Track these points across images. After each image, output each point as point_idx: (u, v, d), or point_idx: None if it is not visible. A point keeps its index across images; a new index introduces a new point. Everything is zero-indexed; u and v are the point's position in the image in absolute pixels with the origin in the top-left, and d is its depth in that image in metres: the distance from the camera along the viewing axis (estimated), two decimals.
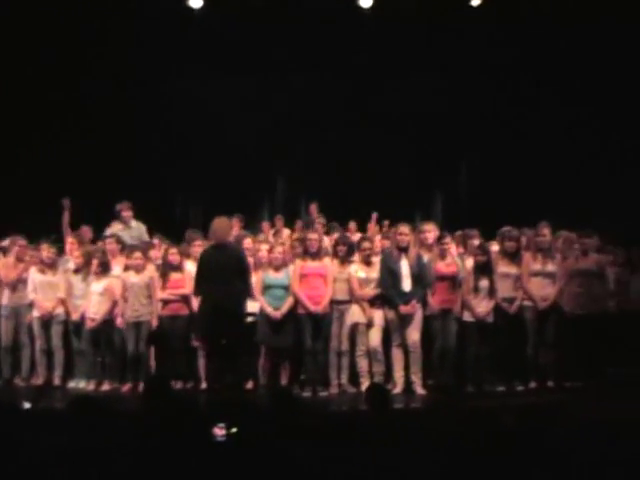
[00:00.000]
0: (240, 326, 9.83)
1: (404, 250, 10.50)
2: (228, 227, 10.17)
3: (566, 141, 14.88)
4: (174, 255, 11.02)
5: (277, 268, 10.69)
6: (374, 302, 10.59)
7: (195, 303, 10.58)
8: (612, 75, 14.61)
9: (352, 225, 13.47)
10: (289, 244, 11.52)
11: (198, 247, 11.10)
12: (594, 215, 13.92)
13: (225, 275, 9.53)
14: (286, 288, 10.61)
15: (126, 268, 11.05)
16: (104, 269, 11.12)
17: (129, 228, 12.45)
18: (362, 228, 13.44)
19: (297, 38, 15.40)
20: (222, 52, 15.22)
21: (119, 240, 11.67)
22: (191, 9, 15.28)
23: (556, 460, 4.06)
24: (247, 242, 11.17)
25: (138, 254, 11.02)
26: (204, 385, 10.60)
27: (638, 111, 14.20)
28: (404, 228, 10.65)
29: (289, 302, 10.57)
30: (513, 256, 10.83)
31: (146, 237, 12.52)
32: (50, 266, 11.35)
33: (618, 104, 14.60)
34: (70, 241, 11.76)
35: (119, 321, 10.90)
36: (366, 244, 10.86)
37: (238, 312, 9.76)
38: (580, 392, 10.28)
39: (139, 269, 10.93)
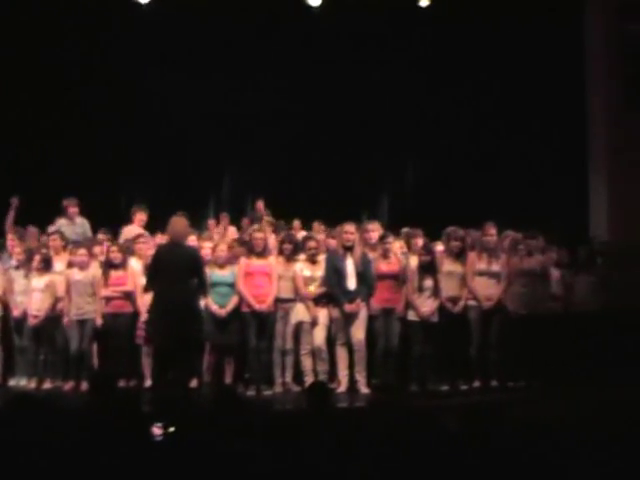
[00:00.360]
0: (196, 324, 9.74)
1: (349, 249, 10.50)
2: (186, 226, 10.07)
3: (512, 142, 14.96)
4: (115, 253, 10.92)
5: (223, 266, 10.65)
6: (319, 301, 10.58)
7: (140, 300, 10.50)
8: (555, 78, 14.72)
9: (297, 223, 13.44)
10: (230, 243, 11.45)
11: (142, 244, 11.06)
12: (539, 216, 14.08)
13: (180, 273, 9.45)
14: (231, 286, 10.57)
15: (69, 265, 10.94)
16: (46, 265, 10.99)
17: (73, 224, 12.34)
18: (307, 226, 13.40)
19: (243, 34, 15.34)
20: (169, 47, 15.10)
21: (62, 236, 11.53)
22: (140, 4, 15.13)
23: (498, 460, 4.07)
24: (191, 239, 11.12)
25: (82, 251, 10.92)
26: (148, 383, 10.52)
27: (577, 115, 14.31)
28: (350, 227, 10.66)
29: (234, 300, 10.54)
30: (458, 255, 10.87)
31: (89, 233, 12.41)
32: None
33: (560, 107, 14.72)
34: (10, 237, 11.63)
35: (66, 320, 10.77)
36: (312, 243, 10.85)
37: (193, 310, 9.67)
38: (522, 392, 10.36)
39: (83, 266, 10.82)
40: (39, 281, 10.95)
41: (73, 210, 12.39)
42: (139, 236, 11.46)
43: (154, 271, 9.68)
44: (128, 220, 12.67)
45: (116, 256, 10.89)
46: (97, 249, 11.37)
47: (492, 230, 10.98)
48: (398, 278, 10.66)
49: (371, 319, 10.56)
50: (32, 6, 14.63)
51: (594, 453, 3.70)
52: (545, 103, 14.87)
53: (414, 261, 10.76)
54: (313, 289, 10.57)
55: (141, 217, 12.54)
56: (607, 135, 13.57)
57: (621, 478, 3.49)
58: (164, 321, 9.40)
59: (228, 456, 4.76)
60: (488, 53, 15.07)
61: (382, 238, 10.89)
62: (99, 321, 10.71)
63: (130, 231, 12.18)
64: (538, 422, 3.88)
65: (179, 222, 9.92)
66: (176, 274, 9.38)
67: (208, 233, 12.82)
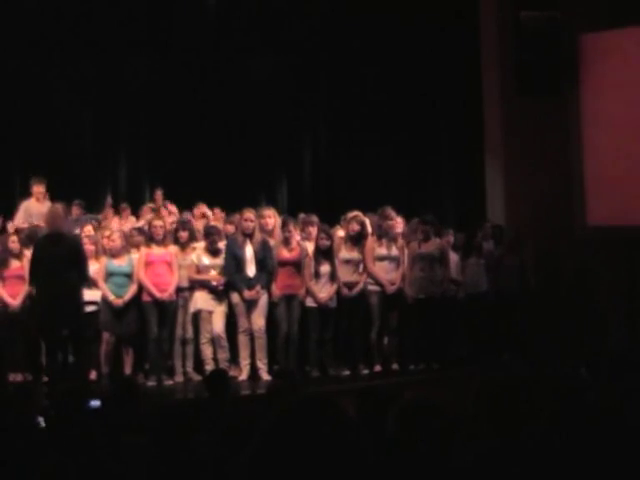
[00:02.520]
0: (77, 316, 9.62)
1: (249, 236, 10.48)
2: (61, 215, 9.90)
3: (408, 126, 15.08)
4: (14, 243, 10.70)
5: (120, 255, 10.52)
6: (217, 289, 10.51)
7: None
8: (450, 63, 14.87)
9: (197, 211, 13.33)
10: (129, 232, 11.31)
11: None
12: (436, 199, 14.25)
13: (60, 265, 9.31)
14: (129, 276, 10.46)
15: None
16: None
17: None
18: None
19: (135, 20, 15.16)
20: (56, 32, 14.80)
21: None
22: None
23: (393, 444, 4.09)
24: (87, 229, 10.96)
25: None
26: (46, 378, 10.34)
27: (473, 99, 14.48)
28: (249, 214, 10.62)
29: (132, 289, 10.42)
30: (357, 241, 10.92)
31: None
32: None
33: (456, 92, 14.87)
34: None
35: None
36: (214, 234, 10.75)
37: (74, 303, 9.55)
38: (422, 374, 10.51)
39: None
40: None
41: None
42: (36, 227, 11.24)
43: (35, 263, 9.54)
44: (27, 194, 12.41)
45: (15, 246, 10.66)
46: None
47: (391, 214, 11.06)
48: (299, 265, 10.68)
49: (272, 306, 10.56)
50: None
51: (476, 434, 3.76)
52: (441, 88, 15.01)
53: (310, 247, 10.79)
54: (215, 274, 10.51)
55: (38, 189, 12.24)
56: (502, 119, 13.75)
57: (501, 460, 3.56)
58: (48, 314, 9.30)
59: (120, 448, 4.72)
60: (383, 37, 15.12)
61: (283, 225, 10.90)
62: None
63: (29, 207, 11.94)
64: (426, 404, 3.91)
65: (54, 211, 9.79)
66: (56, 265, 9.26)
67: (106, 223, 12.60)
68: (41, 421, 5.62)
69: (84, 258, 9.77)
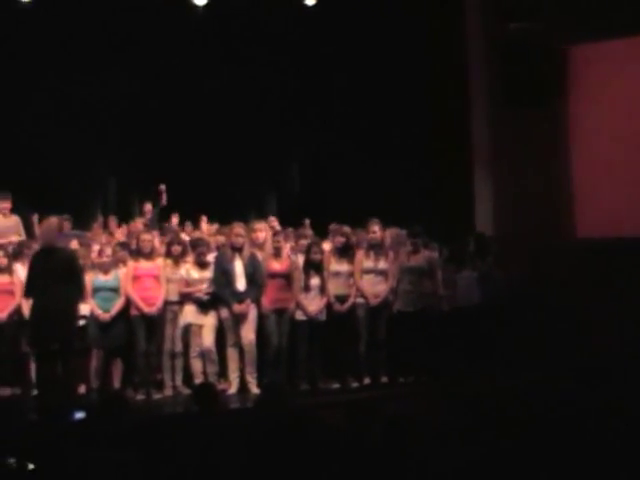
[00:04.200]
0: (72, 330, 9.60)
1: (238, 250, 10.49)
2: (55, 229, 9.89)
3: (397, 138, 15.12)
4: (1, 258, 10.70)
5: (106, 270, 10.53)
6: (205, 302, 10.51)
7: (25, 307, 10.31)
8: (438, 76, 14.91)
9: (188, 226, 13.33)
10: (114, 247, 11.31)
11: (29, 250, 10.80)
12: (424, 212, 14.26)
13: (55, 278, 9.28)
14: (115, 290, 10.47)
15: None
16: None
17: None
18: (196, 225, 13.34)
19: (122, 32, 15.16)
20: (44, 45, 14.81)
21: None
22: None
23: (376, 455, 4.11)
24: (74, 244, 10.95)
25: None
26: (35, 392, 10.32)
27: (461, 112, 14.51)
28: (239, 229, 10.64)
29: (119, 304, 10.43)
30: (343, 253, 10.94)
31: None
32: None
33: (444, 103, 14.90)
34: None
35: None
36: (202, 247, 10.77)
37: (69, 316, 9.52)
38: (409, 387, 10.52)
39: None
40: None
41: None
42: (25, 242, 11.23)
43: (31, 277, 9.52)
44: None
45: (2, 261, 10.67)
46: None
47: (375, 227, 11.08)
48: (289, 277, 10.69)
49: (262, 319, 10.56)
50: None
51: (452, 445, 3.79)
52: (429, 100, 15.04)
53: (300, 260, 10.81)
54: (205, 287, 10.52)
55: (3, 205, 12.07)
56: (490, 130, 13.80)
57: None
58: (42, 327, 9.27)
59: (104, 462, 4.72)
60: (369, 49, 15.19)
61: (274, 237, 10.93)
62: None
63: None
64: (410, 416, 3.94)
65: (47, 225, 9.77)
66: (51, 279, 9.23)
67: (95, 237, 12.58)
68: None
69: (80, 272, 9.72)
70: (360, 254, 11.01)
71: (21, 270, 10.61)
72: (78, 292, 9.58)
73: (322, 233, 12.00)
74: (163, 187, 13.16)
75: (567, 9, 13.00)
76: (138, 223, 12.99)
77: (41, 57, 14.84)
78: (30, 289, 9.54)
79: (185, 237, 11.92)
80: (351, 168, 15.15)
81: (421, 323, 10.88)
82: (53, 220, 9.84)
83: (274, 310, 10.57)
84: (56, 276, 9.27)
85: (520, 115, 13.40)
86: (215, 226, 12.73)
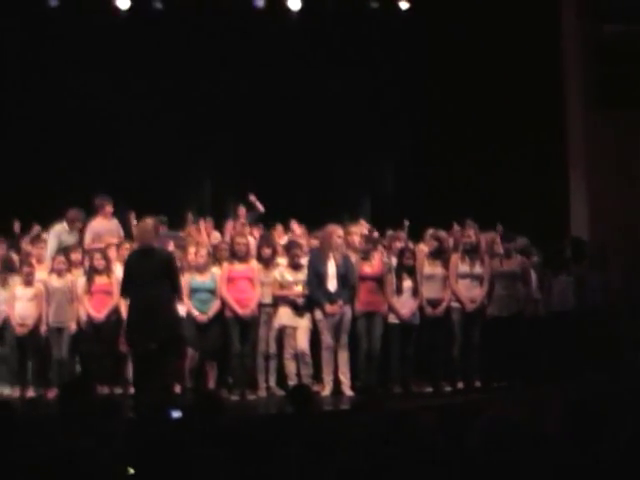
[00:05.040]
0: (172, 329, 9.69)
1: (332, 251, 10.53)
2: (151, 230, 10.01)
3: (492, 142, 15.02)
4: (99, 260, 10.91)
5: (202, 271, 10.66)
6: (300, 305, 10.57)
7: (122, 307, 10.49)
8: (532, 78, 14.75)
9: (279, 227, 13.39)
10: (212, 248, 11.44)
11: (126, 250, 10.97)
12: (521, 216, 14.11)
13: (152, 278, 9.38)
14: (212, 291, 10.60)
15: (50, 272, 10.93)
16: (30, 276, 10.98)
17: (71, 232, 11.98)
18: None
19: (217, 35, 15.35)
20: (133, 48, 15.08)
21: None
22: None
23: (474, 461, 4.09)
24: (170, 245, 11.11)
25: (60, 258, 10.92)
26: (132, 390, 10.50)
27: (555, 114, 14.35)
28: (335, 229, 10.70)
29: (215, 305, 10.57)
30: (437, 256, 10.91)
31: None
32: None
33: (538, 106, 14.74)
34: None
35: (43, 328, 10.79)
36: (295, 249, 10.84)
37: (167, 316, 9.64)
38: (504, 392, 10.43)
39: (61, 273, 10.83)
40: (25, 290, 10.91)
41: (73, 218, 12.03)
42: (122, 242, 11.41)
43: (127, 277, 9.63)
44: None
45: (100, 263, 10.88)
46: (75, 256, 11.24)
47: (471, 231, 11.03)
48: (380, 280, 10.70)
49: (354, 321, 10.60)
50: None
51: (552, 450, 3.75)
52: (523, 103, 14.88)
53: (393, 263, 10.82)
54: (300, 289, 10.59)
55: (107, 209, 12.07)
56: (585, 132, 13.62)
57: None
58: (139, 327, 9.40)
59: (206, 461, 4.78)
60: (468, 54, 15.10)
61: (367, 240, 10.96)
62: (73, 327, 10.74)
63: (96, 226, 11.90)
64: (507, 421, 3.91)
65: (144, 226, 9.88)
66: (148, 279, 9.31)
67: (190, 238, 12.72)
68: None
69: (176, 272, 9.78)
70: (455, 258, 10.97)
71: (120, 271, 10.80)
72: (174, 292, 9.68)
73: (416, 236, 11.97)
74: (252, 197, 13.23)
75: None
76: (232, 225, 13.11)
77: (144, 59, 15.11)
78: (125, 289, 9.69)
79: (279, 240, 12.01)
80: (446, 171, 15.09)
81: (515, 328, 10.79)
82: (149, 221, 9.95)
83: (365, 313, 10.60)
84: (152, 276, 9.35)
85: (616, 116, 13.22)
86: (304, 228, 12.79)
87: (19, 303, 10.89)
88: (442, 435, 4.90)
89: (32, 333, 10.86)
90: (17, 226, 12.53)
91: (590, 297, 11.43)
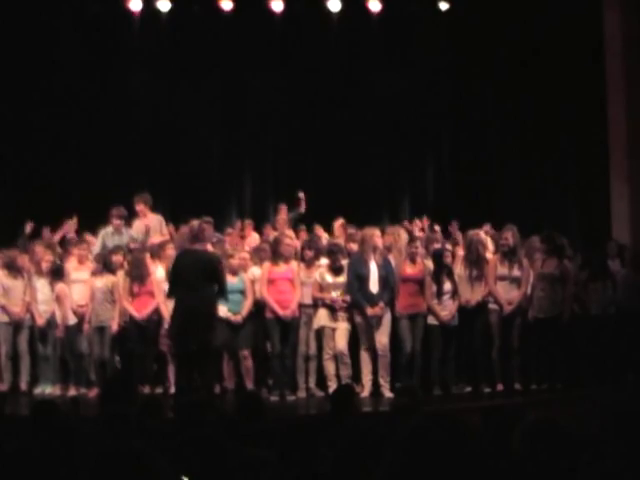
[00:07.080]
0: (210, 330, 9.73)
1: (373, 253, 10.53)
2: (196, 232, 9.94)
3: (535, 146, 14.97)
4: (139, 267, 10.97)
5: (234, 273, 10.68)
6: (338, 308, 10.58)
7: (163, 308, 10.54)
8: (575, 81, 14.69)
9: (319, 228, 13.40)
10: (252, 248, 11.48)
11: (170, 250, 11.02)
12: (561, 219, 14.05)
13: (198, 280, 9.43)
14: (242, 292, 10.64)
15: (92, 273, 11.01)
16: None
17: (119, 234, 12.03)
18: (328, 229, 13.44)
19: (261, 40, 15.42)
20: (182, 52, 15.18)
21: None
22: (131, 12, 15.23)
23: (518, 463, 4.08)
24: (208, 247, 11.14)
25: (101, 260, 11.02)
26: (173, 390, 10.55)
27: (598, 117, 14.26)
28: (374, 232, 10.69)
29: (248, 305, 10.63)
30: (478, 259, 10.87)
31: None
32: (17, 270, 11.27)
33: (582, 109, 14.67)
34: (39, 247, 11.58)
35: (85, 327, 10.88)
36: (336, 252, 10.84)
37: (209, 317, 9.68)
38: (544, 394, 10.38)
39: (102, 274, 10.91)
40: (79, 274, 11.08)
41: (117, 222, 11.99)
42: (166, 242, 11.43)
43: (174, 277, 9.69)
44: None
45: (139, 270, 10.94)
46: (117, 257, 11.27)
47: (508, 234, 10.95)
48: (421, 281, 10.69)
49: (395, 323, 10.59)
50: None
51: (604, 455, 3.73)
52: (566, 106, 14.83)
53: (431, 265, 10.81)
54: (337, 295, 10.59)
55: (140, 208, 12.00)
56: (627, 136, 13.52)
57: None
58: (184, 327, 9.44)
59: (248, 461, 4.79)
60: (508, 56, 15.07)
61: (410, 242, 10.95)
62: (115, 327, 10.81)
63: (138, 226, 11.92)
64: (552, 424, 3.89)
65: (190, 228, 9.93)
66: (195, 280, 9.36)
67: (230, 240, 12.73)
68: None
69: (223, 274, 9.82)
70: (494, 259, 10.93)
71: (160, 270, 10.86)
72: (220, 294, 9.71)
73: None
74: (302, 195, 13.25)
75: None
76: (272, 227, 13.13)
77: (190, 63, 15.23)
78: (173, 290, 9.73)
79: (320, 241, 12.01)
80: (487, 173, 15.06)
81: (554, 330, 10.72)
82: (194, 223, 10.00)
83: (407, 315, 10.59)
84: (199, 278, 9.42)
85: None
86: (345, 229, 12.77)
87: (76, 287, 11.01)
88: (486, 437, 4.89)
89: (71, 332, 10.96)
90: (29, 227, 12.37)
91: (630, 301, 11.32)
